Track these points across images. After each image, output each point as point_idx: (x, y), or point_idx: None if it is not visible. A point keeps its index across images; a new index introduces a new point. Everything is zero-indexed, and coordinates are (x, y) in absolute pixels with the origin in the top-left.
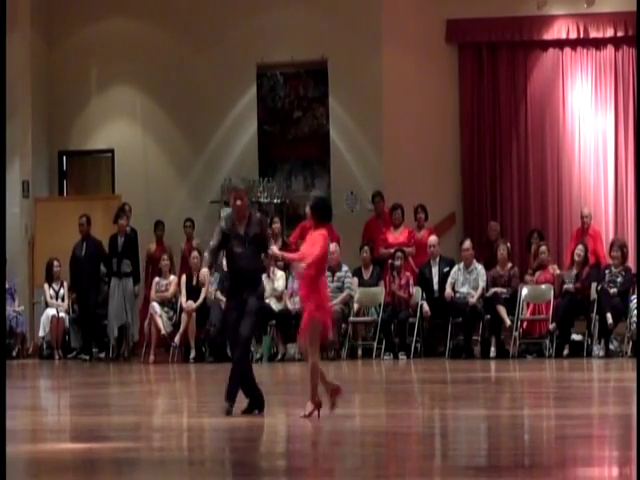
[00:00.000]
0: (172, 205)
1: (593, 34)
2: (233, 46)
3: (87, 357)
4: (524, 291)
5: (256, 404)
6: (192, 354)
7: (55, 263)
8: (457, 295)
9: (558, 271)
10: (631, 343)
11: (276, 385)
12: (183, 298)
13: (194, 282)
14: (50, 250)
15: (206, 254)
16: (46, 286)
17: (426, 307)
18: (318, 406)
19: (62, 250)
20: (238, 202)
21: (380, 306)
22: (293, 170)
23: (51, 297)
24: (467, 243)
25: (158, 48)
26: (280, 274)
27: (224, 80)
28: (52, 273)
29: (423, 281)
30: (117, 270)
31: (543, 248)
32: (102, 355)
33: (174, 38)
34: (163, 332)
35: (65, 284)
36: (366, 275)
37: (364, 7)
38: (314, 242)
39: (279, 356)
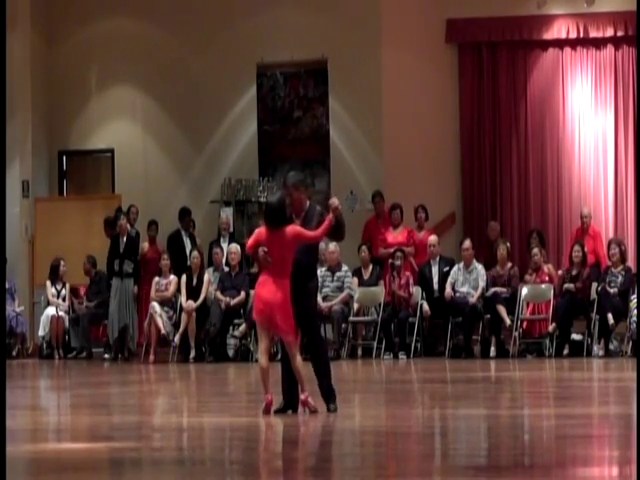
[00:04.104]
0: (172, 205)
1: (593, 34)
2: (233, 46)
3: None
4: (524, 291)
5: (292, 404)
6: (192, 354)
7: (62, 262)
8: (457, 295)
9: (553, 271)
10: (631, 343)
11: (276, 385)
12: (183, 298)
13: (194, 282)
14: (50, 250)
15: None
16: (48, 284)
17: (426, 307)
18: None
19: (62, 250)
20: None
21: (380, 306)
22: (293, 170)
23: (53, 296)
24: (467, 243)
25: (158, 48)
26: None
27: (224, 80)
28: (58, 272)
29: (423, 281)
30: (119, 270)
31: (535, 250)
32: (107, 355)
33: (174, 38)
34: (163, 332)
35: (67, 285)
36: (366, 275)
37: (364, 7)
38: (289, 243)
39: (279, 355)
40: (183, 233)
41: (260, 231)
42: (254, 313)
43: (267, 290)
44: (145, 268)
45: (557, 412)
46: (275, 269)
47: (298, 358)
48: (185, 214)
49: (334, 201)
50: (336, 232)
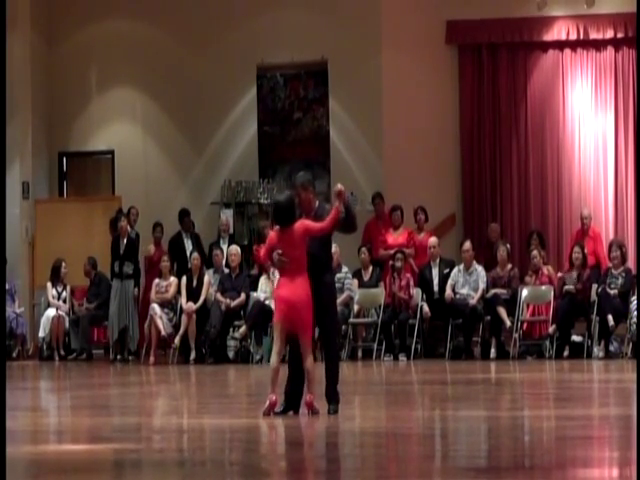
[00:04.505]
0: (172, 206)
1: (593, 35)
2: (233, 47)
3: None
4: (524, 292)
5: (294, 405)
6: (192, 355)
7: (63, 264)
8: (457, 296)
9: (553, 272)
10: (631, 344)
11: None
12: (183, 299)
13: (194, 283)
14: (50, 251)
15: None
16: (49, 285)
17: (426, 308)
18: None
19: (62, 251)
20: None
21: (380, 307)
22: (293, 171)
23: (53, 297)
24: (467, 244)
25: (158, 49)
26: None
27: (224, 81)
28: (59, 274)
29: (423, 282)
30: (119, 272)
31: (534, 253)
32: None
33: (174, 39)
34: (163, 333)
35: (68, 287)
36: (366, 276)
37: (364, 8)
38: (300, 238)
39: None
40: (184, 235)
41: (271, 236)
42: (276, 316)
43: (287, 290)
44: (150, 270)
45: (557, 413)
46: (291, 267)
47: (310, 358)
48: (184, 215)
49: (339, 186)
50: (346, 222)
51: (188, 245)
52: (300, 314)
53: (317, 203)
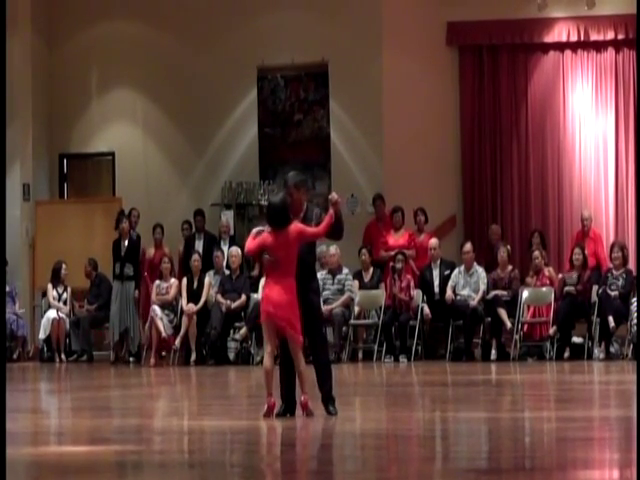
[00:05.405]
0: (173, 208)
1: (594, 37)
2: (234, 49)
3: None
4: (525, 294)
5: (290, 408)
6: (193, 357)
7: (63, 266)
8: (458, 298)
9: (554, 274)
10: (632, 346)
11: (276, 387)
12: (184, 301)
13: (195, 285)
14: (51, 253)
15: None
16: (50, 287)
17: (427, 310)
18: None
19: (63, 253)
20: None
21: (381, 309)
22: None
23: (54, 299)
24: (468, 246)
25: (159, 51)
26: None
27: (225, 83)
28: (59, 275)
29: (424, 284)
30: (120, 273)
31: (536, 253)
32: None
33: (175, 41)
34: (164, 335)
35: (69, 288)
36: (366, 278)
37: (365, 10)
38: (293, 239)
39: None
40: (197, 235)
41: (264, 236)
42: (262, 316)
43: (275, 292)
44: (152, 272)
45: (558, 415)
46: (281, 270)
47: (302, 360)
48: (196, 215)
49: (334, 195)
50: (335, 229)
51: (198, 245)
52: (285, 316)
53: (306, 205)
